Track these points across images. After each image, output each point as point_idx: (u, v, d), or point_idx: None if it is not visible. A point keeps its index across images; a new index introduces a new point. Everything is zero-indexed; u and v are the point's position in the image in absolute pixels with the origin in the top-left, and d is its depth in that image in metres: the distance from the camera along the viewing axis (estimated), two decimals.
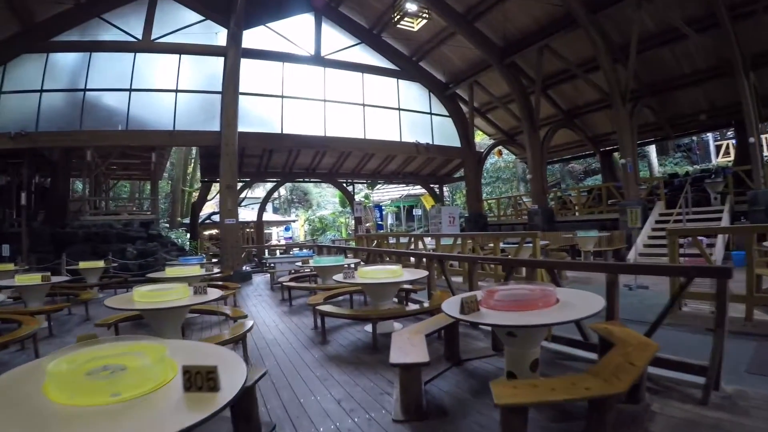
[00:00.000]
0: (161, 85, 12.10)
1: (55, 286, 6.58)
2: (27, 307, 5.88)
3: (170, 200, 25.30)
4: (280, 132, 13.30)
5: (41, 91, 11.44)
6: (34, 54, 11.63)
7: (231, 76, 11.72)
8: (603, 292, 3.22)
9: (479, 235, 11.34)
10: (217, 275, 8.19)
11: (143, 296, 3.91)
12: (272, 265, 10.59)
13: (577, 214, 15.40)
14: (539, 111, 14.41)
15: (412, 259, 7.68)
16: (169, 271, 6.30)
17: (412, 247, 10.77)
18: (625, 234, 11.35)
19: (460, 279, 8.31)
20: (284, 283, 7.55)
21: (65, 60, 11.94)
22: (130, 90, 11.85)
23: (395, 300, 6.13)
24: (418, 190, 23.88)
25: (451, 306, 2.84)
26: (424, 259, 6.27)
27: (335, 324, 5.31)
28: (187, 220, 20.82)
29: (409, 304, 6.47)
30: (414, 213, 25.38)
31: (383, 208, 25.98)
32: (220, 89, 11.99)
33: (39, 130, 11.13)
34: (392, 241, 12.41)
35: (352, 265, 6.88)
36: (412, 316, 5.05)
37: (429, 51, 15.50)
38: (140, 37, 12.09)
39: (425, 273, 5.29)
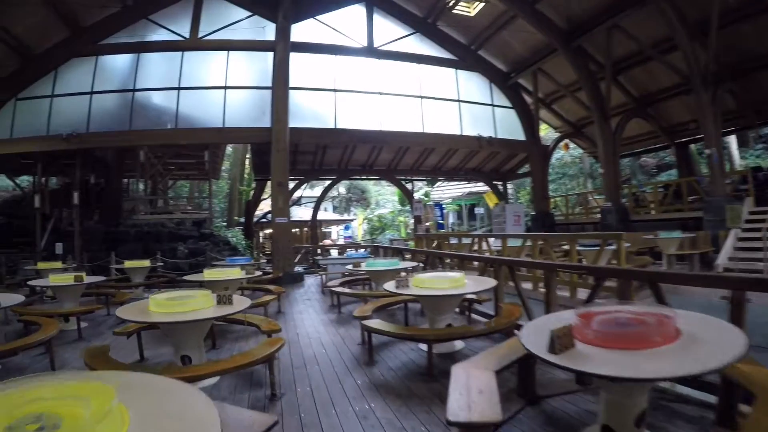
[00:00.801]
0: (210, 83, 12.37)
1: (92, 285, 6.56)
2: (62, 307, 5.85)
3: (228, 199, 26.13)
4: (333, 127, 13.14)
5: (91, 93, 12.11)
6: (83, 57, 12.37)
7: (280, 71, 11.67)
8: (699, 306, 2.60)
9: (552, 236, 10.34)
10: (263, 277, 8.06)
11: (160, 305, 3.54)
12: (324, 266, 10.37)
13: (653, 212, 14.33)
14: (610, 98, 13.29)
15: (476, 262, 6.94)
16: (207, 274, 5.99)
17: (476, 248, 10.03)
18: (710, 235, 10.34)
19: (528, 285, 7.54)
20: (333, 289, 7.17)
21: (114, 62, 12.58)
22: (179, 89, 12.20)
23: (456, 311, 5.50)
24: (480, 187, 23.33)
25: (531, 336, 2.21)
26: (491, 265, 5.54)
27: (385, 339, 4.73)
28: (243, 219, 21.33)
29: (473, 316, 5.83)
30: (476, 212, 24.79)
31: (444, 206, 25.40)
32: (270, 84, 12.00)
33: (90, 131, 11.78)
34: (453, 241, 11.75)
35: (408, 270, 6.37)
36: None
37: (488, 38, 14.80)
38: (188, 35, 12.40)
39: (493, 283, 4.58)
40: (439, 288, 4.32)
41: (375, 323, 4.32)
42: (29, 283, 7.14)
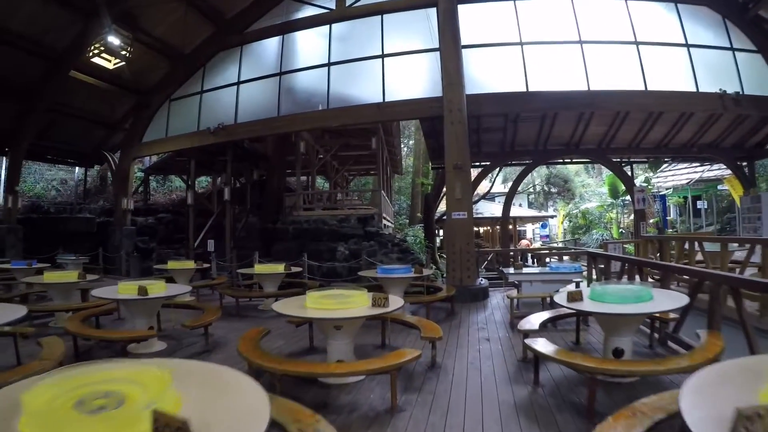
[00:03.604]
0: (364, 54, 13.87)
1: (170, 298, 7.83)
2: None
3: (411, 195, 28.84)
4: (524, 90, 13.13)
5: (238, 83, 15.24)
6: (229, 50, 15.79)
7: (447, 25, 12.46)
8: None
9: None
10: (422, 298, 8.74)
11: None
12: (516, 282, 9.25)
13: None
14: None
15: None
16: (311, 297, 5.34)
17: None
18: None
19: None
20: (531, 345, 4.90)
21: (259, 48, 15.60)
22: (329, 65, 14.05)
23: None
24: (713, 171, 22.10)
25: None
26: None
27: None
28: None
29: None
30: (698, 206, 23.54)
31: (666, 198, 24.17)
32: (436, 45, 12.89)
33: (237, 122, 14.64)
34: (709, 248, 10.27)
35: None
36: None
37: None
38: (333, 6, 14.35)
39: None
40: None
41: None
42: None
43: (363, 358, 5.55)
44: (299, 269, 11.43)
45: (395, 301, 5.33)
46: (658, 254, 11.64)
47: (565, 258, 15.32)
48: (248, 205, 19.73)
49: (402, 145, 33.31)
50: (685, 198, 24.92)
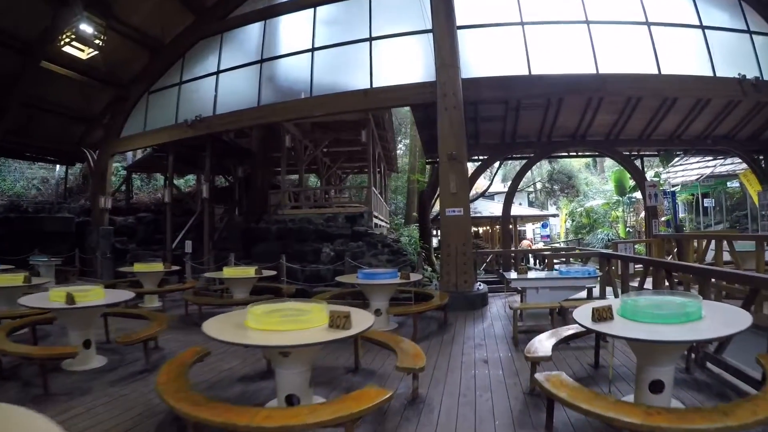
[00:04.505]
0: (350, 37, 12.87)
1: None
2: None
3: (407, 193, 28.29)
4: (527, 73, 12.22)
5: (217, 73, 14.34)
6: (209, 38, 14.82)
7: (441, 4, 11.31)
8: None
9: None
10: (410, 309, 7.43)
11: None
12: (520, 289, 8.63)
13: None
14: None
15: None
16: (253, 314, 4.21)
17: None
18: None
19: None
20: (538, 379, 3.80)
21: (240, 36, 14.60)
22: (312, 50, 13.06)
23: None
24: (722, 167, 21.56)
25: None
26: None
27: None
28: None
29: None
30: (706, 204, 22.74)
31: (676, 194, 23.30)
32: (429, 27, 11.82)
33: (216, 114, 13.74)
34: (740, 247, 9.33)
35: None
36: None
37: None
38: None
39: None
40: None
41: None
42: None
43: (329, 386, 4.86)
44: (273, 273, 10.12)
45: (362, 320, 4.09)
46: (671, 255, 10.43)
47: (571, 260, 14.04)
48: (234, 204, 18.70)
49: (399, 144, 33.00)
50: (694, 195, 24.35)
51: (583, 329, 4.14)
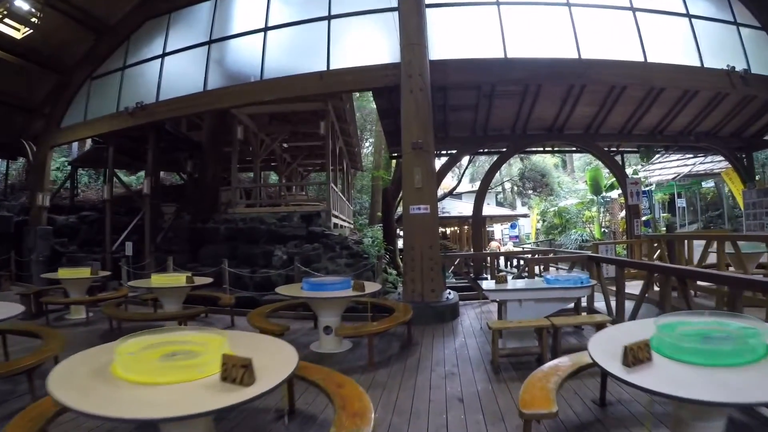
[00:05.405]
0: (307, 15, 11.97)
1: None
2: None
3: (371, 192, 27.70)
4: (502, 57, 11.38)
5: (163, 56, 13.30)
6: (157, 18, 13.79)
7: None
8: None
9: None
10: (363, 328, 6.13)
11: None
12: (496, 301, 7.35)
13: None
14: None
15: None
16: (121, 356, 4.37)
17: None
18: None
19: None
20: None
21: (189, 16, 13.52)
22: (265, 29, 12.15)
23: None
24: (702, 165, 21.61)
25: None
26: None
27: None
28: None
29: None
30: (678, 204, 22.86)
31: (652, 193, 23.39)
32: (393, 5, 10.92)
33: (159, 101, 12.71)
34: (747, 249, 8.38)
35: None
36: None
37: None
38: None
39: None
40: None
41: None
42: None
43: None
44: (209, 280, 8.67)
45: (282, 361, 2.75)
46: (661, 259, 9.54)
47: (562, 266, 12.80)
48: (187, 202, 17.35)
49: (365, 143, 32.78)
50: (671, 194, 24.32)
51: (591, 362, 2.94)
